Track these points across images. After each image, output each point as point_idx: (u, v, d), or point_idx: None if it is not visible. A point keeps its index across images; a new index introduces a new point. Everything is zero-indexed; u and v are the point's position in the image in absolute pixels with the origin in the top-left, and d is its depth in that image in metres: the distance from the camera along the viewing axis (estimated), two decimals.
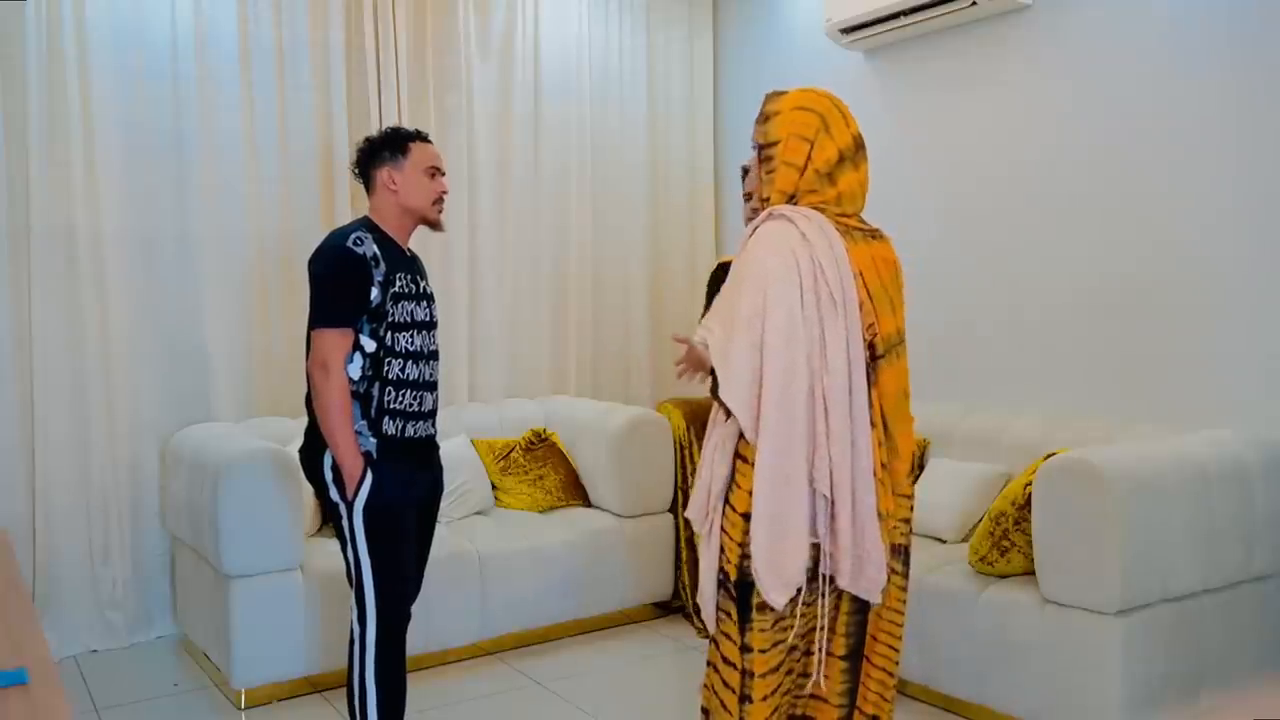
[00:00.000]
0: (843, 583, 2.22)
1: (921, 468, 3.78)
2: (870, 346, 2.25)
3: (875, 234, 2.36)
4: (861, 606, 2.32)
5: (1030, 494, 2.96)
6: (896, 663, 2.38)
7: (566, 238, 4.93)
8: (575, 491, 4.24)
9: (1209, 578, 2.92)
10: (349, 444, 2.54)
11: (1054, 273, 3.79)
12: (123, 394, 3.86)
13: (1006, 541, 3.05)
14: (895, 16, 4.08)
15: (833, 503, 2.18)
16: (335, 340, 2.54)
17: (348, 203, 4.24)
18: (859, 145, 2.31)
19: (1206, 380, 3.37)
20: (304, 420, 2.68)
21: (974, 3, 3.84)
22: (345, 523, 2.59)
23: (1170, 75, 3.45)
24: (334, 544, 3.52)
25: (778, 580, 2.17)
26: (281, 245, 4.16)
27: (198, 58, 3.97)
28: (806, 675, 2.32)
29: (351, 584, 2.62)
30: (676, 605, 4.20)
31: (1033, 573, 2.95)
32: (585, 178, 4.96)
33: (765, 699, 2.23)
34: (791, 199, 2.30)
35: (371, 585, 2.58)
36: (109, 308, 3.84)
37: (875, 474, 2.22)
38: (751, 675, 2.22)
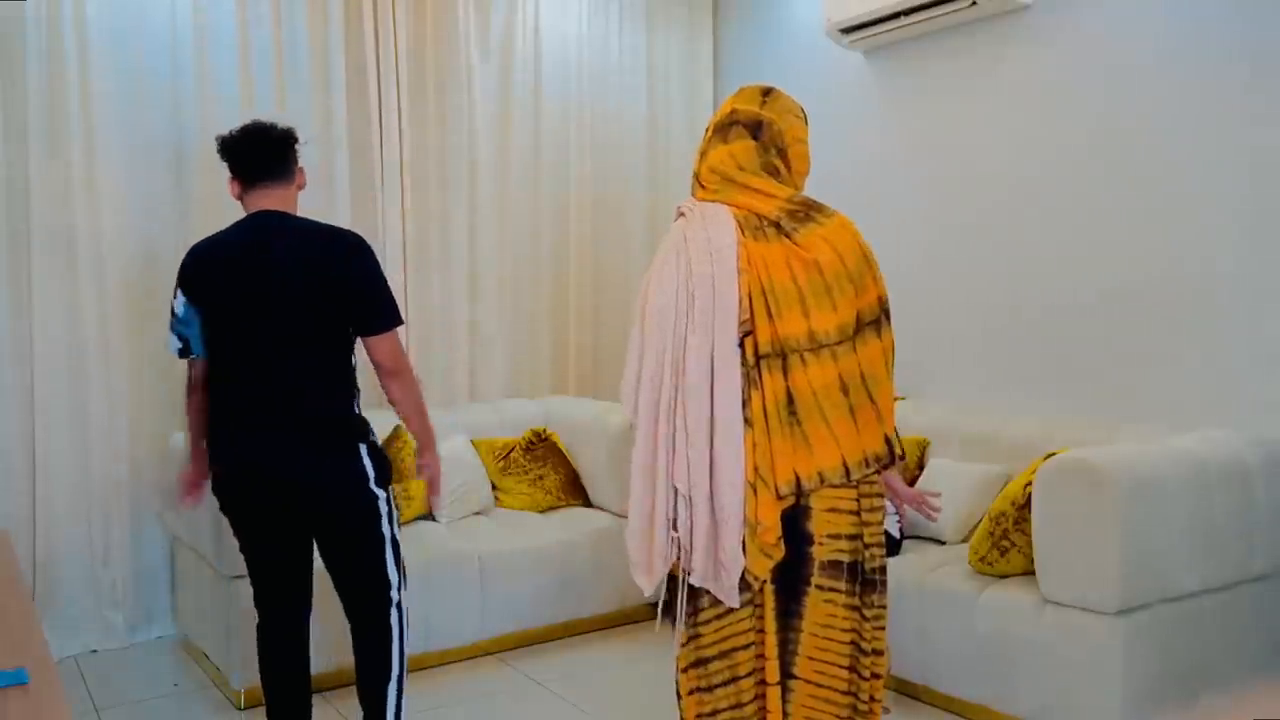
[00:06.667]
0: (694, 580, 2.21)
1: (921, 468, 3.78)
2: (742, 346, 2.15)
3: (794, 231, 2.18)
4: (786, 625, 2.24)
5: (1030, 494, 2.96)
6: (850, 682, 2.23)
7: (566, 237, 4.93)
8: (575, 491, 4.24)
9: (1209, 578, 2.92)
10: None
11: (1054, 272, 3.79)
12: (123, 394, 3.86)
13: (1006, 541, 3.05)
14: (895, 16, 4.07)
15: (691, 501, 2.18)
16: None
17: (347, 204, 4.24)
18: (722, 124, 2.28)
19: (1206, 380, 3.37)
20: None
21: (974, 3, 3.83)
22: (383, 504, 2.62)
23: (1169, 75, 3.45)
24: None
25: (641, 564, 2.23)
26: None
27: (197, 57, 3.97)
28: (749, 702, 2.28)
29: (385, 582, 2.63)
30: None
31: (1033, 573, 2.95)
32: (585, 177, 4.95)
33: (691, 693, 2.28)
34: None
35: (398, 567, 2.66)
36: (109, 308, 3.83)
37: (747, 478, 2.13)
38: (677, 667, 2.31)
